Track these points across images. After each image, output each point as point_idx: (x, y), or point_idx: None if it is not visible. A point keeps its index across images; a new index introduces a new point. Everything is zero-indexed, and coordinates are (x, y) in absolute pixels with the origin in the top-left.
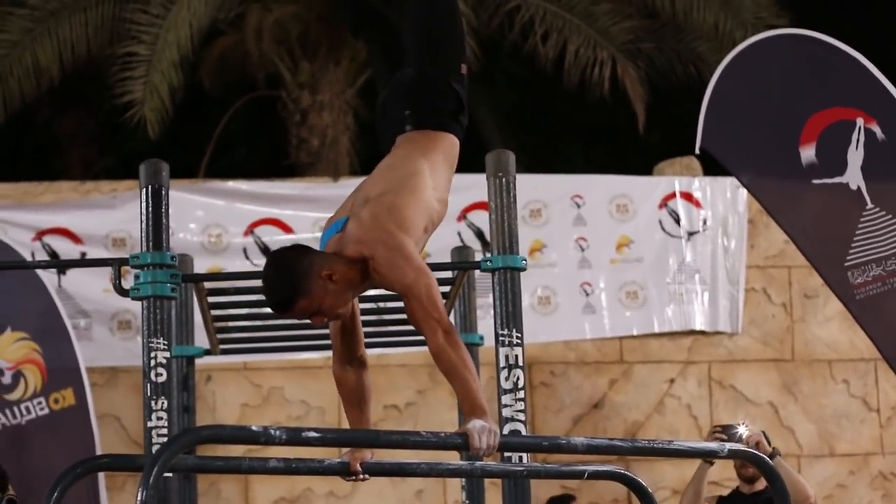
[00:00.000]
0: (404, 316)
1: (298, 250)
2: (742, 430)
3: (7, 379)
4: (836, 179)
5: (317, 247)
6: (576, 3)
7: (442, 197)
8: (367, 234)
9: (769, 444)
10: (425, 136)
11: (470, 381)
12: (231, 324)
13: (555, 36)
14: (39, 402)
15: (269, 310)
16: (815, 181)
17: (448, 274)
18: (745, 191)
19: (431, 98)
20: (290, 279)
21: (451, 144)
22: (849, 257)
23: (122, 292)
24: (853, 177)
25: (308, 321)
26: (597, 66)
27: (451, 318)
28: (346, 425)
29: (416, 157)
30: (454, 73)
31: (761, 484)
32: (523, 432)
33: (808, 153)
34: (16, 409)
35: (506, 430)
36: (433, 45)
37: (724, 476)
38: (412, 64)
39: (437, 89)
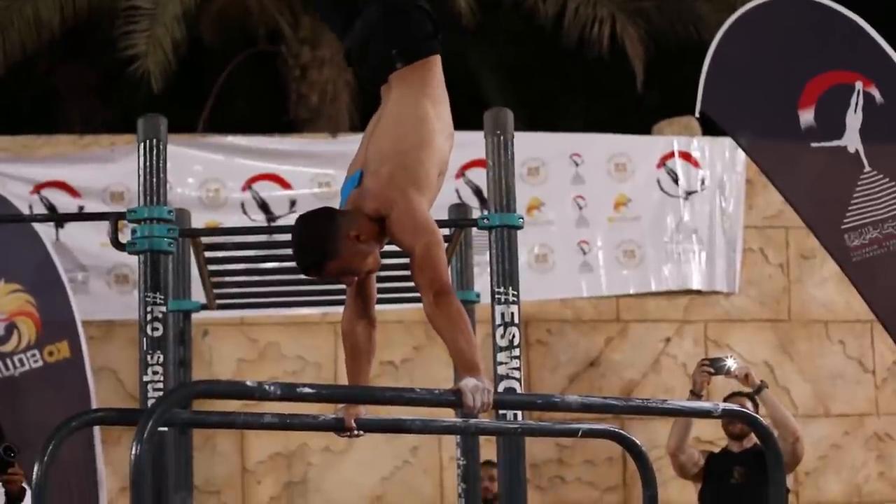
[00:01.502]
0: (400, 273)
1: (326, 213)
2: (730, 363)
3: (1, 331)
4: (835, 143)
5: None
6: None
7: (448, 132)
8: (385, 193)
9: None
10: (416, 70)
11: (460, 340)
12: (228, 279)
13: None
14: (33, 355)
15: (266, 265)
16: (814, 144)
17: (445, 231)
18: (743, 151)
19: (408, 28)
20: (319, 242)
21: (439, 65)
22: (846, 220)
23: (119, 246)
24: (851, 140)
25: (303, 276)
26: (596, 24)
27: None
28: (342, 381)
29: (418, 99)
30: None
31: (749, 441)
32: (518, 390)
33: (806, 116)
34: (9, 360)
35: (501, 388)
36: None
37: (718, 436)
38: (372, 3)
39: (410, 17)
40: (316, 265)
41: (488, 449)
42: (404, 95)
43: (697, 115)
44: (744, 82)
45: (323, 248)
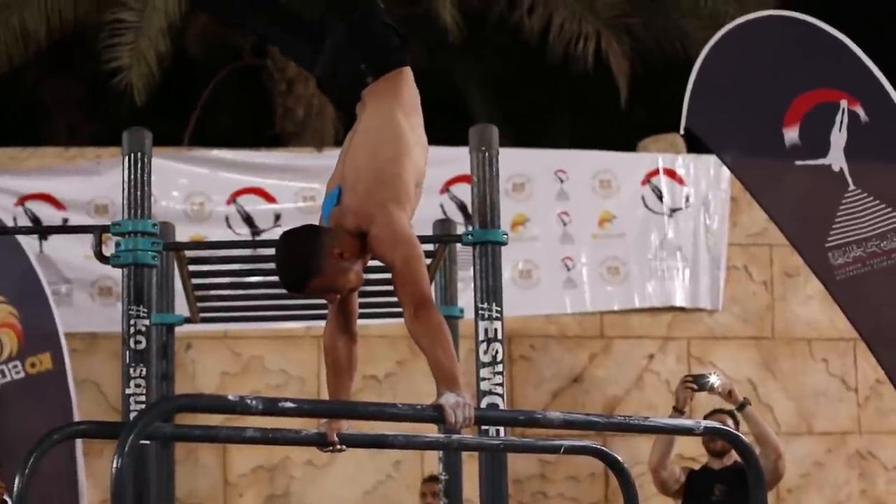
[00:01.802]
0: (384, 288)
1: (309, 231)
2: (713, 380)
3: None
4: (819, 161)
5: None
6: None
7: (423, 143)
8: (364, 209)
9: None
10: (387, 82)
11: (440, 354)
12: (212, 292)
13: (540, 9)
14: (15, 366)
15: (249, 279)
16: (798, 162)
17: (430, 246)
18: (727, 169)
19: (375, 42)
20: (302, 260)
21: (409, 77)
22: (830, 238)
23: (103, 259)
24: (836, 158)
25: (286, 292)
26: (581, 39)
27: (432, 292)
28: (325, 395)
29: (392, 112)
30: (376, 9)
31: (730, 458)
32: (501, 406)
33: (791, 134)
34: None
35: (483, 404)
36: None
37: (700, 452)
38: (336, 24)
39: (376, 32)
40: (299, 283)
41: (471, 464)
42: (377, 108)
43: (682, 132)
44: (729, 100)
45: (306, 266)
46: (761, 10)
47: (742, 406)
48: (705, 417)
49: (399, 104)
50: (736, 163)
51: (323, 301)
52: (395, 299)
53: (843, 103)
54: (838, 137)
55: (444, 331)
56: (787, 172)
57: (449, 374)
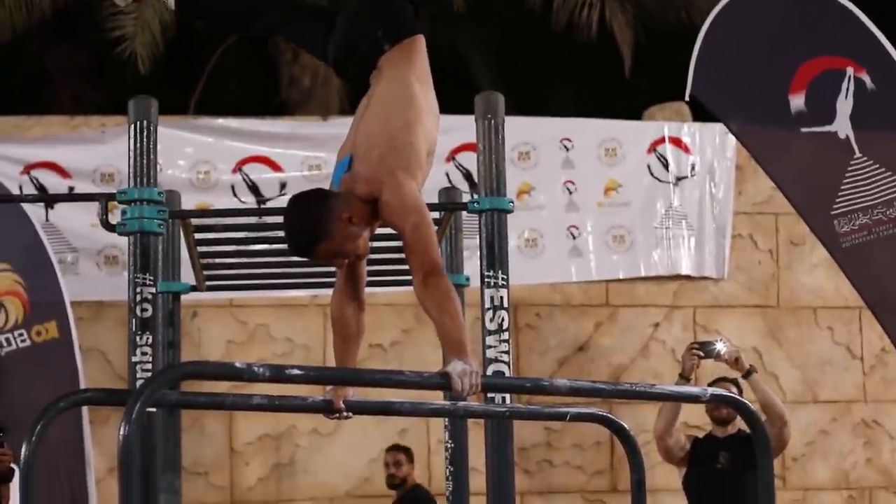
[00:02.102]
0: (391, 256)
1: (318, 194)
2: (720, 347)
3: None
4: (825, 128)
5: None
6: None
7: (435, 112)
8: (375, 175)
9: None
10: (403, 49)
11: (448, 321)
12: (218, 260)
13: None
14: (21, 334)
15: (255, 247)
16: (804, 129)
17: (435, 214)
18: (733, 137)
19: (391, 8)
20: (311, 223)
21: (423, 45)
22: (835, 206)
23: (109, 227)
24: (842, 125)
25: (292, 258)
26: (585, 8)
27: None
28: (330, 363)
29: (406, 79)
30: None
31: (734, 426)
32: (507, 373)
33: (797, 101)
34: None
35: (489, 371)
36: None
37: (705, 421)
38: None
39: (387, 13)
40: (307, 246)
41: (476, 432)
42: (392, 76)
43: (687, 98)
44: (734, 66)
45: (315, 230)
46: None
47: (748, 373)
48: (709, 385)
49: (413, 72)
50: (741, 129)
51: (329, 269)
52: (401, 267)
53: (850, 70)
54: (844, 105)
55: (452, 298)
56: (792, 139)
57: (456, 341)
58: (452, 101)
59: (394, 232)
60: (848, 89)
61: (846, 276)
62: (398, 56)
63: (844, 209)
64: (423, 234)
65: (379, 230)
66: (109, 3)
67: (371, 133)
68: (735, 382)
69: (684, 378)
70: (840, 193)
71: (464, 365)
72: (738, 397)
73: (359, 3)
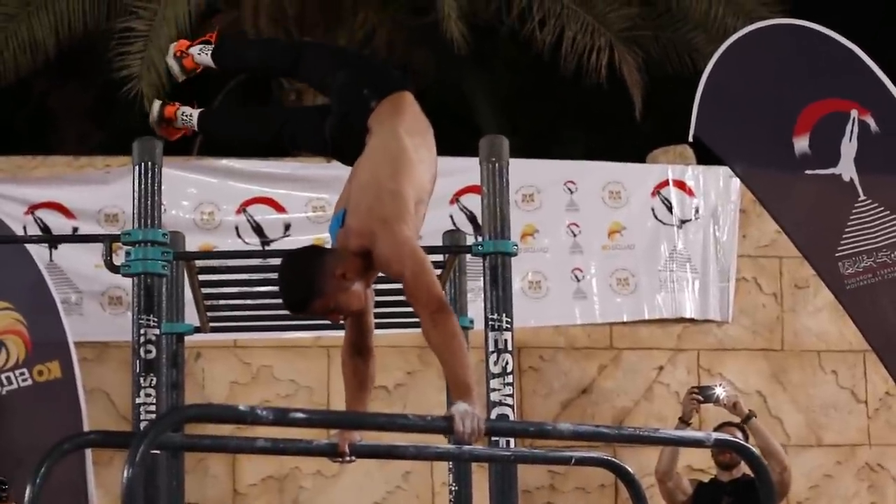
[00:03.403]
0: (394, 298)
1: (311, 252)
2: (719, 391)
3: None
4: (830, 170)
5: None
6: None
7: (430, 161)
8: (366, 227)
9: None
10: (389, 104)
11: (453, 362)
12: (221, 302)
13: (552, 22)
14: (22, 373)
15: (259, 288)
16: (809, 172)
17: (439, 257)
18: (737, 180)
19: (374, 71)
20: (305, 280)
21: (412, 99)
22: (840, 248)
23: (113, 268)
24: (846, 168)
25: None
26: (594, 52)
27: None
28: (334, 405)
29: (394, 132)
30: (371, 58)
31: (738, 471)
32: (511, 417)
33: (801, 144)
34: None
35: (493, 415)
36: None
37: (709, 464)
38: (339, 76)
39: (374, 65)
40: (302, 303)
41: (480, 475)
42: (381, 131)
43: (690, 139)
44: (738, 108)
45: (309, 287)
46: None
47: (748, 418)
48: (715, 429)
49: (402, 125)
50: (745, 171)
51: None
52: (404, 310)
53: (854, 113)
54: (849, 147)
55: (458, 338)
56: (797, 182)
57: (462, 384)
58: (457, 143)
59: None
60: (852, 132)
61: (851, 318)
62: (386, 111)
63: (849, 252)
64: (422, 276)
65: (380, 273)
66: (115, 44)
67: (362, 186)
68: (741, 427)
69: (684, 422)
70: (845, 236)
71: (467, 408)
72: (742, 442)
73: (346, 74)
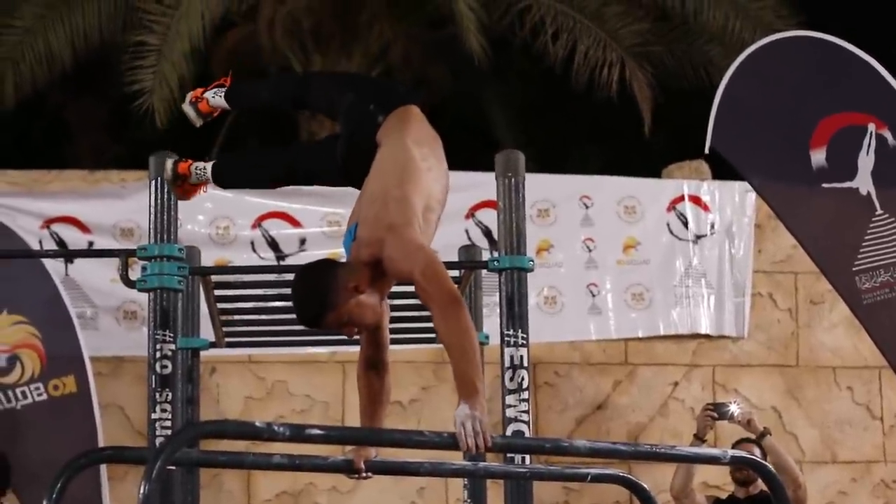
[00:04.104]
0: (409, 314)
1: (324, 265)
2: (734, 409)
3: (2, 362)
4: (847, 184)
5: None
6: (586, 4)
7: (440, 170)
8: (374, 235)
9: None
10: (396, 118)
11: (462, 358)
12: (237, 317)
13: (565, 36)
14: (37, 388)
15: (274, 303)
16: (825, 185)
17: (455, 272)
18: (753, 195)
19: (379, 88)
20: (318, 294)
21: (418, 112)
22: (857, 262)
23: (129, 283)
24: (863, 182)
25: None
26: (605, 67)
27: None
28: (349, 420)
29: (401, 142)
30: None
31: (756, 488)
32: (526, 433)
33: (818, 157)
34: (10, 392)
35: (509, 431)
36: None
37: (726, 480)
38: (346, 98)
39: (380, 83)
40: (315, 317)
41: (495, 490)
42: (388, 144)
43: (707, 151)
44: (755, 120)
45: (321, 301)
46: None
47: (762, 435)
48: (733, 446)
49: (409, 136)
50: (762, 184)
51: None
52: (420, 325)
53: (871, 127)
54: (866, 161)
55: (470, 335)
56: (813, 195)
57: (469, 383)
58: (471, 156)
59: (410, 289)
60: (869, 146)
61: (867, 332)
62: (393, 125)
63: (866, 266)
64: (433, 271)
65: (396, 287)
66: (128, 58)
67: (370, 197)
68: (758, 444)
69: (699, 439)
70: (862, 250)
71: (467, 411)
72: (758, 459)
73: (353, 95)
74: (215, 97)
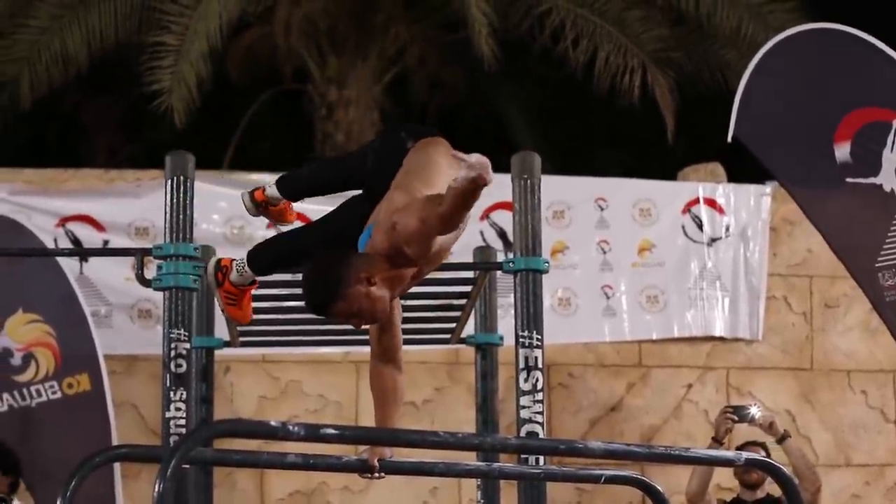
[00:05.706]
0: (422, 314)
1: (340, 253)
2: (754, 411)
3: (17, 360)
4: (871, 180)
5: None
6: (607, 10)
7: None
8: (386, 220)
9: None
10: (424, 142)
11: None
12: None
13: (585, 42)
14: (52, 386)
15: (288, 303)
16: (849, 180)
17: (469, 273)
18: (768, 198)
19: (409, 123)
20: (329, 282)
21: (445, 142)
22: (880, 259)
23: (145, 282)
24: (888, 178)
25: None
26: (627, 73)
27: (472, 319)
28: (363, 420)
29: (425, 151)
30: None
31: (763, 491)
32: (541, 434)
33: (842, 151)
34: (25, 390)
35: (523, 432)
36: None
37: (736, 482)
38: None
39: (408, 121)
40: (324, 304)
41: (509, 491)
42: (413, 152)
43: (730, 139)
44: (778, 112)
45: (332, 289)
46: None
47: (783, 438)
48: (738, 449)
49: (434, 149)
50: (785, 178)
51: (363, 326)
52: (433, 325)
53: (895, 123)
54: (891, 157)
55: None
56: (837, 189)
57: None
58: (489, 159)
59: (423, 289)
60: (894, 142)
61: (889, 330)
62: (420, 146)
63: (889, 262)
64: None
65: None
66: (146, 58)
67: (387, 196)
68: (763, 446)
69: (717, 442)
70: (885, 246)
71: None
72: (773, 461)
73: (382, 133)
74: (269, 187)
